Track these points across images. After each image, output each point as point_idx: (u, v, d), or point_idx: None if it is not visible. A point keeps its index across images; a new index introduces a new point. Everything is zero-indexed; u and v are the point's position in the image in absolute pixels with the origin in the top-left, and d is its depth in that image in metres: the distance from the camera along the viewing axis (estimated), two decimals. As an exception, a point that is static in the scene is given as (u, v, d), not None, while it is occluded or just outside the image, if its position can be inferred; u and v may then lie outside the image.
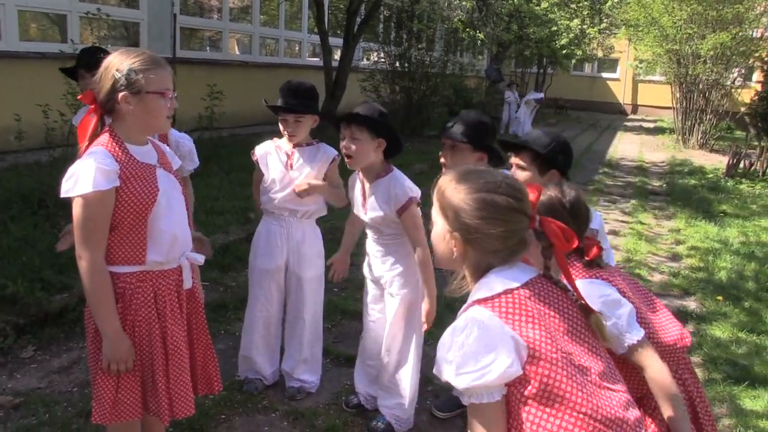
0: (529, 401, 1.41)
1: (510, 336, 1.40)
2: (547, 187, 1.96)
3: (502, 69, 20.51)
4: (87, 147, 2.17)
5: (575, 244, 1.57)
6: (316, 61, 13.99)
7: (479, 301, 1.47)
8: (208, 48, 12.13)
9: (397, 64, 13.67)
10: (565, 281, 1.60)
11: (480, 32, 11.64)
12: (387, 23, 15.35)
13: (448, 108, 14.76)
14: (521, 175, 2.61)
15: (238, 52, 12.95)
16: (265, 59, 13.03)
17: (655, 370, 1.82)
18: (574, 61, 22.02)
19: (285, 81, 3.23)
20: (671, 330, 2.01)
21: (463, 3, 10.58)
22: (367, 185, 2.99)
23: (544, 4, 15.90)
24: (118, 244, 2.18)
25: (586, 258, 1.95)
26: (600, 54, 23.69)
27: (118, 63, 2.12)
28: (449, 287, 1.63)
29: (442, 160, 2.99)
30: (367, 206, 3.00)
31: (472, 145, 2.90)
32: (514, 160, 2.68)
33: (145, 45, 9.75)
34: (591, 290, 1.79)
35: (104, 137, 2.17)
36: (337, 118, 2.98)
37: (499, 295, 1.46)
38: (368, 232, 3.11)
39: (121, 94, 2.11)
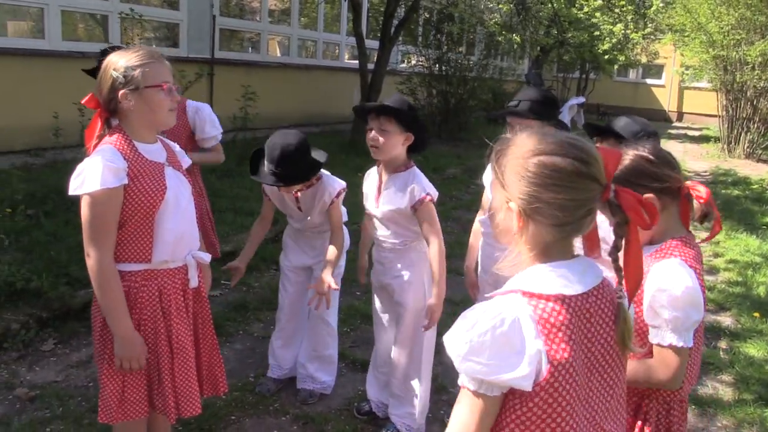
0: (522, 418, 1.27)
1: (538, 349, 1.24)
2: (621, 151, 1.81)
3: (543, 73, 20.24)
4: (95, 146, 2.18)
5: (657, 220, 1.37)
6: (354, 63, 14.02)
7: (526, 293, 1.29)
8: (250, 49, 12.25)
9: (435, 67, 13.60)
10: (624, 267, 1.36)
11: (516, 36, 11.47)
12: (426, 26, 15.29)
13: (486, 112, 14.62)
14: None
15: (279, 54, 13.05)
16: (303, 61, 13.10)
17: (663, 372, 1.73)
18: (616, 66, 21.60)
19: (270, 142, 2.98)
20: (694, 365, 1.90)
21: (500, 6, 10.44)
22: (385, 177, 2.94)
23: (586, 9, 15.64)
24: (125, 242, 2.18)
25: (700, 202, 1.82)
26: (644, 60, 23.18)
27: (115, 62, 2.14)
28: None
29: None
30: (380, 199, 2.94)
31: (541, 120, 2.84)
32: (599, 146, 2.60)
33: (185, 45, 9.90)
34: (680, 276, 1.68)
35: (113, 136, 2.19)
36: (366, 109, 2.91)
37: (549, 297, 1.27)
38: (375, 236, 3.07)
39: (120, 92, 2.13)
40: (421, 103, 13.50)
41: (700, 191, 1.84)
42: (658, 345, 1.73)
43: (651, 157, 1.83)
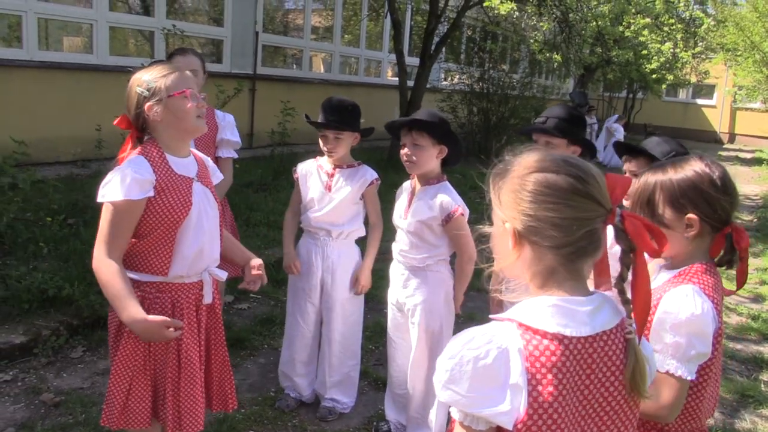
0: None
1: (522, 387, 1.16)
2: (687, 161, 1.74)
3: (589, 93, 19.95)
4: (120, 161, 2.20)
5: (665, 248, 1.29)
6: (395, 80, 14.09)
7: (522, 325, 1.20)
8: (294, 66, 12.42)
9: (477, 84, 13.53)
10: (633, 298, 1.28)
11: (557, 54, 11.33)
12: (469, 44, 15.26)
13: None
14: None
15: (322, 71, 13.19)
16: (344, 78, 13.23)
17: (657, 400, 1.62)
18: (664, 86, 21.15)
19: (327, 98, 3.23)
20: (711, 397, 1.80)
21: (540, 25, 10.32)
22: (417, 188, 2.95)
23: (633, 27, 15.38)
24: (144, 253, 2.20)
25: (737, 246, 1.71)
26: (693, 79, 22.66)
27: (137, 79, 2.19)
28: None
29: None
30: (410, 210, 2.94)
31: (567, 138, 2.78)
32: (627, 166, 2.52)
33: (228, 61, 10.11)
34: (689, 302, 1.59)
35: (145, 147, 2.21)
36: (397, 124, 2.93)
37: (546, 334, 1.19)
38: (395, 252, 3.04)
39: (146, 105, 2.16)
40: (461, 121, 13.44)
41: (742, 238, 1.72)
42: (657, 371, 1.62)
43: (717, 181, 1.70)
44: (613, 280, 1.31)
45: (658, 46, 17.23)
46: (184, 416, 2.25)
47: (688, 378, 1.62)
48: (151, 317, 2.14)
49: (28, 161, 4.60)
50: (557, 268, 1.24)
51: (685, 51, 18.35)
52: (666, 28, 17.46)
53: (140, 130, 2.24)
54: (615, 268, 1.31)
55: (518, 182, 1.26)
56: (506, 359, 1.17)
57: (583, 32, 10.77)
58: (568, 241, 1.22)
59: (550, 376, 1.17)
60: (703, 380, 1.69)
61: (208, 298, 2.36)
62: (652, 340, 1.63)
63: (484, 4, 9.58)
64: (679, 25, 17.88)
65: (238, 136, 3.65)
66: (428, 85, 11.89)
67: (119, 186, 2.09)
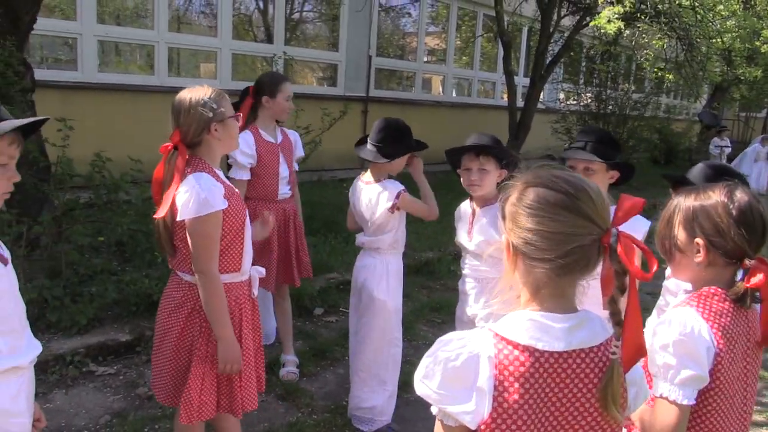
0: None
1: (487, 392, 1.22)
2: (712, 188, 1.71)
3: (722, 113, 18.68)
4: (179, 179, 2.35)
5: (654, 271, 1.27)
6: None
7: (497, 335, 1.26)
8: (412, 88, 12.68)
9: (593, 105, 13.13)
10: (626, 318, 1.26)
11: (669, 74, 10.74)
12: (588, 64, 14.88)
13: (649, 154, 13.74)
14: None
15: (441, 92, 13.38)
16: (456, 99, 13.35)
17: (657, 424, 1.59)
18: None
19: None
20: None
21: (653, 42, 9.86)
22: (477, 210, 3.02)
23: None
24: (220, 257, 2.40)
25: (746, 284, 1.63)
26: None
27: (197, 101, 2.35)
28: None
29: None
30: (473, 231, 3.01)
31: (605, 162, 2.70)
32: (674, 195, 2.48)
33: (342, 84, 10.55)
34: (682, 322, 1.57)
35: (198, 165, 2.38)
36: (463, 150, 2.98)
37: (517, 345, 1.23)
38: (465, 268, 3.10)
39: (212, 125, 2.36)
40: (576, 142, 13.07)
41: (759, 277, 1.62)
42: (654, 396, 1.61)
43: (734, 211, 1.64)
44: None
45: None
46: (244, 397, 2.49)
47: (685, 402, 1.57)
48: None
49: (146, 179, 5.07)
50: (545, 282, 1.27)
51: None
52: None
53: (191, 146, 2.39)
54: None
55: (516, 197, 1.32)
56: (476, 364, 1.23)
57: (706, 49, 10.18)
58: (555, 255, 1.24)
59: (516, 385, 1.22)
60: (706, 409, 1.63)
61: (255, 292, 2.60)
62: (649, 366, 1.62)
63: (590, 24, 9.35)
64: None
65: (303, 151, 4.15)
66: (542, 106, 11.73)
67: (205, 200, 2.28)
